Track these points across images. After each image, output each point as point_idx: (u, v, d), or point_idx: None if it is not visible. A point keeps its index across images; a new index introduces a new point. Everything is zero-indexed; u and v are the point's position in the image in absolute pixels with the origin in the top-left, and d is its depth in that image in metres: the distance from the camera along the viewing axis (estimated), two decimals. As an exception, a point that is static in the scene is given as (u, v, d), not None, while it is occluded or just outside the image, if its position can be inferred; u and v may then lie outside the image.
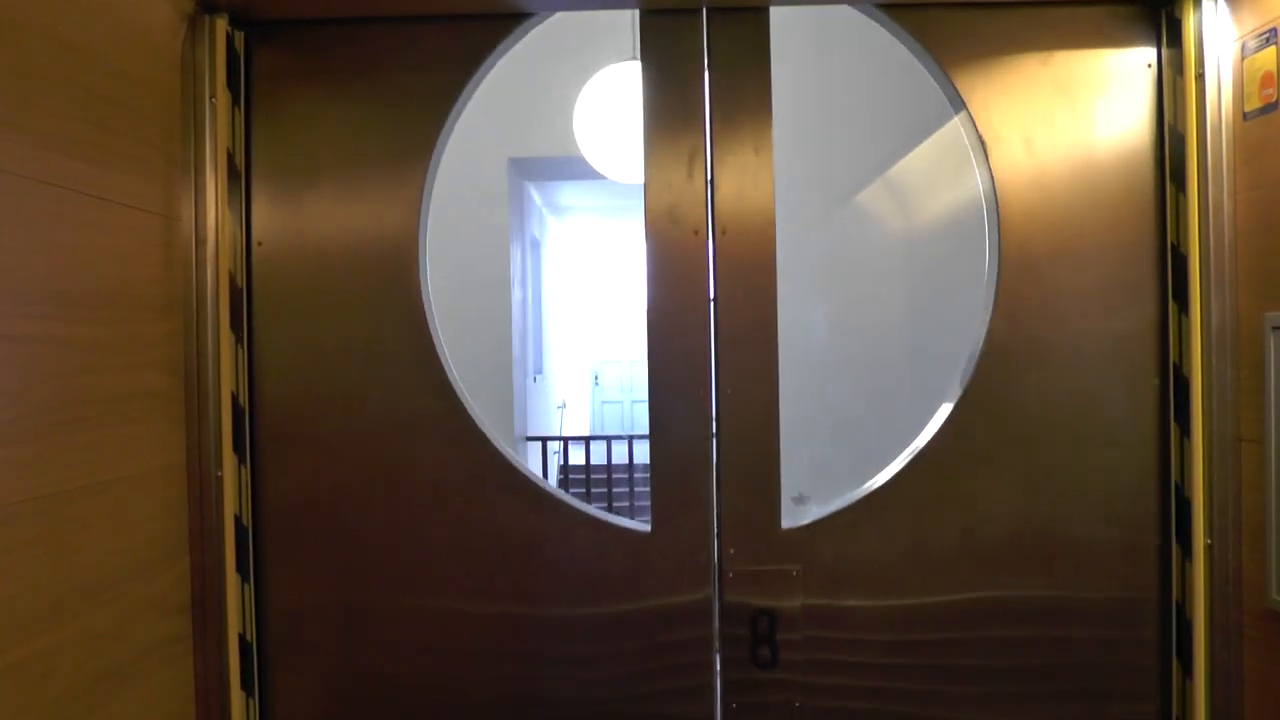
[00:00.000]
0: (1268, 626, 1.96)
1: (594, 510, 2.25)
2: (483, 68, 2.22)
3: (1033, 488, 2.18)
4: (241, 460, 2.15)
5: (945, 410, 2.21)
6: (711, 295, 2.17)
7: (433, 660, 2.22)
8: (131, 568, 1.87)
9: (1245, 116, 1.99)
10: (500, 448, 2.22)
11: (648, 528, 2.21)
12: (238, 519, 2.13)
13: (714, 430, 2.18)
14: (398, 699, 2.22)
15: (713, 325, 2.17)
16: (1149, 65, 2.16)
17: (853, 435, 5.08)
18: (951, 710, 2.22)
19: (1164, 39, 2.14)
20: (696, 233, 2.17)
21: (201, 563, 2.07)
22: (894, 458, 2.25)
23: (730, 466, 2.18)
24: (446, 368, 2.21)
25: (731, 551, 2.19)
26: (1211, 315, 2.05)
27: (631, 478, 7.87)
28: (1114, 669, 2.20)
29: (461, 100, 2.21)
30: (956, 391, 2.20)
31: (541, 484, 2.24)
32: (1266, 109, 1.92)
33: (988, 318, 2.18)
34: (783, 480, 2.20)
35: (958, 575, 2.20)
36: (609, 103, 3.83)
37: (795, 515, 2.22)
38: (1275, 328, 1.90)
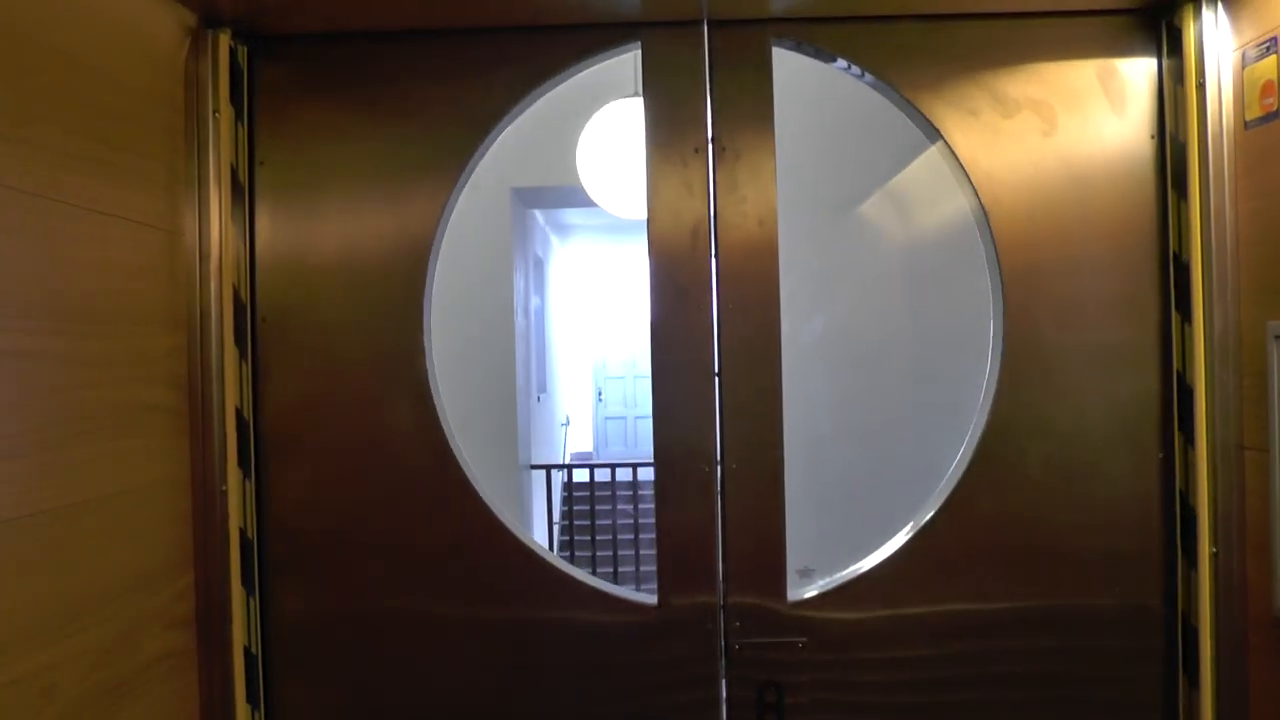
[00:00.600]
0: (1273, 635, 1.95)
1: (599, 583, 2.26)
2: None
3: (1040, 507, 2.18)
4: (246, 473, 2.15)
5: (951, 476, 2.21)
6: (717, 368, 2.18)
7: (436, 678, 2.22)
8: (136, 581, 1.87)
9: (1246, 125, 1.99)
10: (505, 520, 2.22)
11: (654, 599, 2.21)
12: (242, 532, 2.13)
13: (719, 504, 2.19)
14: (402, 712, 2.21)
15: (718, 396, 2.18)
16: (1149, 75, 2.16)
17: (859, 505, 5.06)
18: None
19: (1164, 49, 2.15)
20: (700, 265, 2.18)
21: (206, 576, 2.07)
22: (900, 524, 2.25)
23: (736, 540, 2.18)
24: (446, 430, 2.21)
25: (738, 624, 2.19)
26: (1214, 324, 2.04)
27: (636, 494, 7.86)
28: (1120, 679, 2.19)
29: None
30: (963, 446, 2.21)
31: (546, 556, 2.24)
32: (1267, 118, 1.92)
33: (997, 338, 2.19)
34: (788, 552, 2.20)
35: (965, 638, 2.20)
36: (612, 138, 3.85)
37: (801, 588, 2.22)
38: (1278, 336, 1.90)
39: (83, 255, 1.74)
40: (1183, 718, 2.15)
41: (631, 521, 7.85)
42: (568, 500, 9.62)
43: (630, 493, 8.14)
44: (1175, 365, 2.13)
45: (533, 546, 2.23)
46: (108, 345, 1.81)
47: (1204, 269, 2.06)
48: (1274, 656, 1.96)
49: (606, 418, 14.92)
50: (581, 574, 2.25)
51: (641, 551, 7.51)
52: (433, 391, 2.19)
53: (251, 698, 2.15)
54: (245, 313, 2.16)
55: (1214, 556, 2.05)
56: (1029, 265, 2.16)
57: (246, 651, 2.14)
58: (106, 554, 1.79)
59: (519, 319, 7.09)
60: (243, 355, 2.15)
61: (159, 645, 1.95)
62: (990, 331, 2.21)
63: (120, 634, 1.82)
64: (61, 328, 1.68)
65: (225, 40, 2.11)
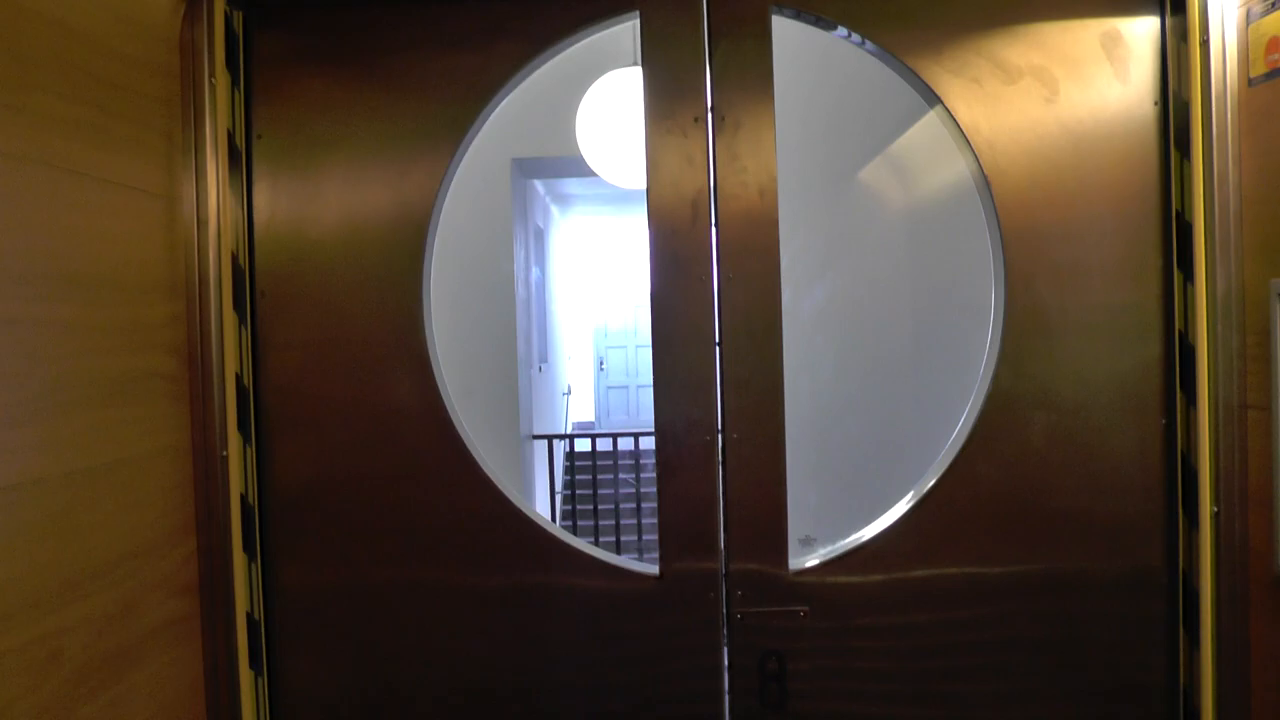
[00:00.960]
0: (1274, 594, 1.95)
1: (600, 553, 2.26)
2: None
3: (1041, 472, 2.18)
4: (246, 440, 2.15)
5: (952, 443, 2.21)
6: (717, 339, 2.17)
7: (437, 648, 2.23)
8: (139, 548, 1.88)
9: (1250, 82, 1.97)
10: (505, 490, 2.22)
11: (655, 568, 2.21)
12: (243, 499, 2.13)
13: (721, 474, 2.19)
14: (405, 679, 2.23)
15: (719, 366, 2.17)
16: (1152, 37, 2.14)
17: (862, 475, 5.07)
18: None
19: (1168, 7, 2.12)
20: (700, 236, 2.17)
21: (208, 542, 2.07)
22: (902, 493, 2.25)
23: (737, 509, 2.19)
24: (446, 400, 2.21)
25: (740, 593, 2.19)
26: (1217, 283, 2.03)
27: (638, 464, 7.89)
28: (1122, 643, 2.20)
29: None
30: (965, 415, 2.21)
31: (547, 526, 2.24)
32: (1272, 74, 1.91)
33: (998, 305, 2.18)
34: (790, 521, 2.20)
35: (968, 605, 2.21)
36: (611, 108, 3.83)
37: (802, 556, 2.22)
38: (1280, 291, 1.90)
39: (82, 223, 1.73)
40: (1183, 677, 2.16)
41: (633, 491, 7.88)
42: (570, 470, 9.64)
43: (632, 462, 8.16)
44: (1177, 325, 2.13)
45: (534, 517, 2.23)
46: (109, 313, 1.81)
47: (1206, 228, 2.05)
48: (1275, 615, 1.96)
49: (608, 387, 14.95)
50: (583, 544, 2.25)
51: (644, 521, 7.54)
52: (433, 361, 2.19)
53: (255, 664, 2.16)
54: (244, 279, 2.15)
55: (1215, 516, 2.06)
56: (1031, 231, 2.15)
57: (249, 618, 2.15)
58: (111, 520, 1.79)
59: (519, 289, 7.08)
60: (242, 321, 2.14)
61: (163, 612, 1.95)
62: (991, 298, 2.20)
63: (124, 600, 1.82)
64: (62, 295, 1.68)
65: (220, 5, 2.09)
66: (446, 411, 2.19)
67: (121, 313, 1.85)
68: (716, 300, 2.17)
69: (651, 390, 2.22)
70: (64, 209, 1.68)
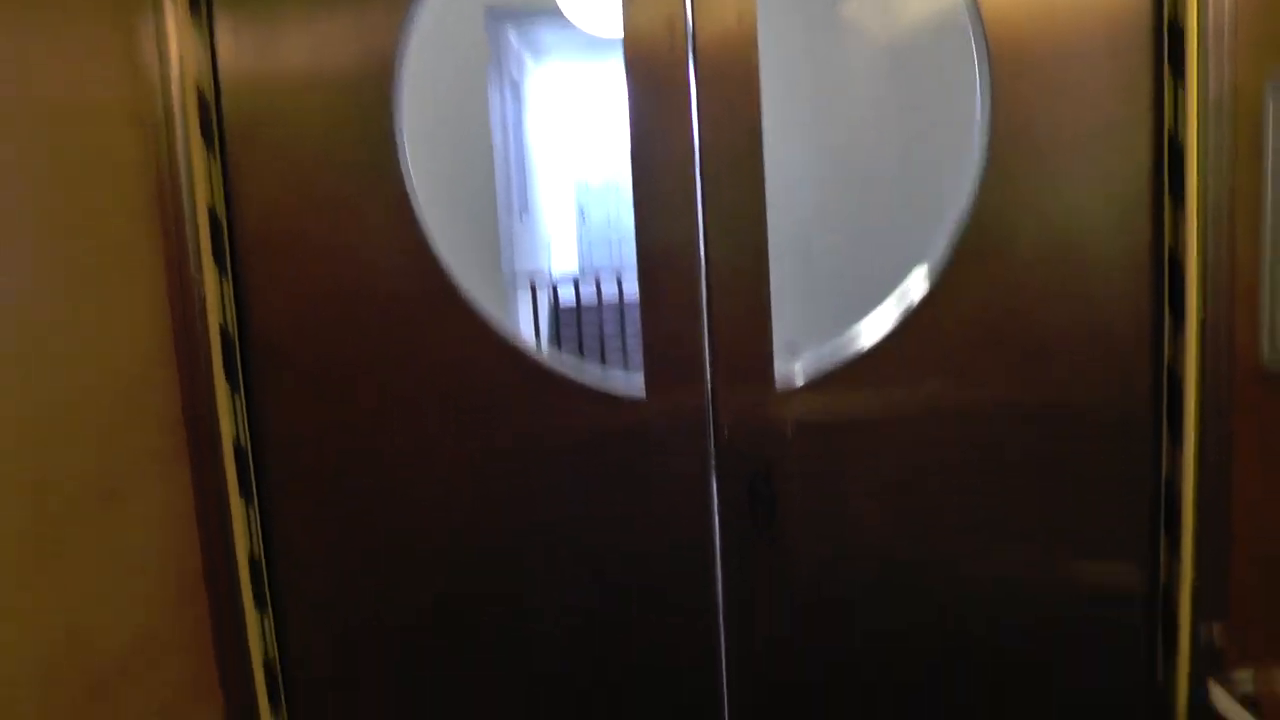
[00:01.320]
0: (1258, 388, 1.96)
1: (587, 378, 2.24)
2: None
3: (1030, 292, 2.16)
4: (223, 272, 2.11)
5: (939, 262, 2.17)
6: (698, 166, 2.11)
7: (423, 481, 2.24)
8: (118, 381, 1.86)
9: None
10: (480, 309, 2.19)
11: (642, 393, 2.20)
12: (223, 329, 2.11)
13: (704, 292, 2.15)
14: (398, 520, 2.26)
15: (700, 192, 2.12)
16: None
17: (844, 279, 5.07)
18: (952, 547, 2.26)
19: None
20: (677, 63, 2.09)
21: (190, 373, 2.06)
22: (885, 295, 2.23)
23: (722, 331, 2.16)
24: (425, 230, 2.16)
25: (726, 414, 2.19)
26: (1209, 82, 1.99)
27: (622, 307, 7.91)
28: (1106, 448, 2.22)
29: None
30: (948, 231, 2.17)
31: (533, 353, 2.22)
32: None
33: (983, 126, 2.12)
34: (774, 330, 2.18)
35: (956, 424, 2.21)
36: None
37: (789, 366, 2.21)
38: (1276, 86, 1.85)
39: (35, 58, 1.66)
40: (1165, 469, 2.19)
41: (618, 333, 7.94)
42: (554, 323, 9.64)
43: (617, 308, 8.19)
44: (1167, 126, 2.08)
45: (517, 344, 2.22)
46: (69, 142, 1.75)
47: (1200, 27, 1.99)
48: (1258, 407, 1.98)
49: (591, 242, 14.88)
50: (567, 367, 2.24)
51: (630, 362, 7.59)
52: (411, 196, 2.14)
53: (244, 492, 2.17)
54: (210, 110, 2.08)
55: (1202, 312, 2.05)
56: (1019, 50, 2.08)
57: (236, 445, 2.15)
58: (86, 351, 1.77)
59: (496, 137, 6.98)
60: (210, 152, 2.09)
61: (148, 442, 1.95)
62: (976, 119, 2.14)
63: (108, 432, 1.81)
64: (18, 123, 1.61)
65: None
66: (426, 242, 2.16)
67: (84, 143, 1.80)
68: (695, 123, 2.11)
69: (634, 239, 2.18)
70: (15, 38, 1.61)
